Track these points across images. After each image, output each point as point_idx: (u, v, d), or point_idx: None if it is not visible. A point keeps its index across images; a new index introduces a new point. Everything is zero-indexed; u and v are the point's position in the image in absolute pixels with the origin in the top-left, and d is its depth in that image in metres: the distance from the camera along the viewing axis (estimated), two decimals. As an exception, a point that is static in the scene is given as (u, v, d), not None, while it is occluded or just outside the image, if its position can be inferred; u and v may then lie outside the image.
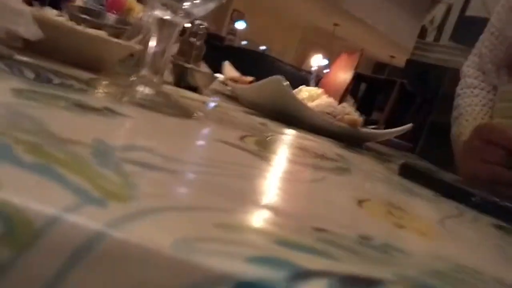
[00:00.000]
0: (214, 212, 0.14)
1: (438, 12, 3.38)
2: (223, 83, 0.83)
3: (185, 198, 0.15)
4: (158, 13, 0.34)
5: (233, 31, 7.24)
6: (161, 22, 0.34)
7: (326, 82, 0.78)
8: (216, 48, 1.20)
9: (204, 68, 0.95)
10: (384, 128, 0.94)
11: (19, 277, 0.11)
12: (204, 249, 0.11)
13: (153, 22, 0.34)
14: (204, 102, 0.56)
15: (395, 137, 1.23)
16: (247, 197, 0.18)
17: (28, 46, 0.41)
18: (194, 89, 0.61)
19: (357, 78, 3.34)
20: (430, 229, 0.25)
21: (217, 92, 0.78)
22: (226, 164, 0.23)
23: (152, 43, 0.35)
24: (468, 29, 2.99)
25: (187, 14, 0.34)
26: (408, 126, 0.74)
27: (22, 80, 0.27)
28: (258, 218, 0.15)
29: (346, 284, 0.12)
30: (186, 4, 0.33)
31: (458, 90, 0.89)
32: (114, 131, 0.23)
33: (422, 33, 3.71)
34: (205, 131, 0.33)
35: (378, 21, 6.23)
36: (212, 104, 0.58)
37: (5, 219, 0.11)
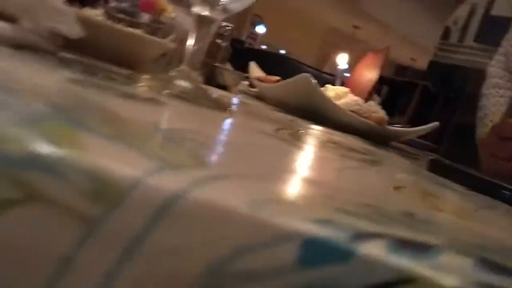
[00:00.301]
0: (276, 181, 0.15)
1: (462, 12, 3.32)
2: (249, 83, 0.84)
3: (247, 169, 0.16)
4: (196, 9, 0.35)
5: (253, 35, 7.28)
6: (200, 18, 0.35)
7: (351, 81, 0.79)
8: (238, 51, 1.21)
9: (230, 69, 0.97)
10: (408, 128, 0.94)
11: (108, 232, 0.12)
12: (275, 210, 0.12)
13: (192, 19, 0.35)
14: (234, 99, 0.57)
15: (419, 138, 1.22)
16: (296, 173, 0.19)
17: (68, 44, 0.43)
18: (223, 88, 0.62)
19: (379, 80, 3.30)
20: (468, 214, 0.26)
21: (244, 93, 0.80)
22: (269, 148, 0.24)
23: (190, 40, 0.36)
24: (493, 29, 2.94)
25: (225, 10, 0.35)
26: (435, 124, 0.73)
27: (73, 72, 0.29)
28: (313, 190, 0.16)
29: (403, 246, 0.13)
30: (224, 0, 0.35)
31: (484, 90, 0.88)
32: (166, 116, 0.24)
33: (446, 34, 3.66)
34: (243, 122, 0.34)
35: (399, 23, 6.17)
36: (240, 100, 0.59)
37: (94, 179, 0.12)
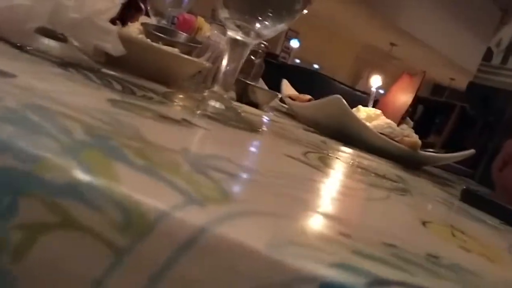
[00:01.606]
0: (297, 220, 0.16)
1: (506, 34, 3.23)
2: (281, 101, 0.84)
3: (270, 205, 0.16)
4: (231, 33, 0.36)
5: (287, 49, 7.32)
6: (233, 42, 0.36)
7: (384, 103, 0.78)
8: (271, 66, 1.22)
9: (262, 85, 0.98)
10: (442, 153, 0.92)
11: (135, 262, 0.13)
12: (293, 252, 0.13)
13: (226, 42, 0.36)
14: (265, 118, 0.57)
15: (455, 162, 1.18)
16: (319, 209, 0.19)
17: (110, 61, 0.45)
18: (255, 105, 0.63)
19: (414, 100, 3.24)
20: (498, 255, 0.25)
21: (275, 109, 0.80)
22: (295, 177, 0.24)
23: (224, 61, 0.37)
24: (538, 53, 2.84)
25: (258, 35, 0.36)
26: (471, 151, 0.71)
27: (113, 91, 0.30)
28: (334, 230, 0.16)
29: (422, 295, 0.13)
30: (258, 26, 0.35)
31: None
32: (195, 140, 0.25)
33: (487, 55, 3.56)
34: (272, 145, 0.35)
35: (438, 42, 6.05)
36: (271, 119, 0.59)
37: (124, 210, 0.13)
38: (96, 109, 0.22)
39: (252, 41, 0.36)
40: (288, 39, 7.27)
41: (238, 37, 0.36)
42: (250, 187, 0.18)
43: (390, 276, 0.13)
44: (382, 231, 0.20)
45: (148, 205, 0.13)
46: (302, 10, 0.35)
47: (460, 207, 0.42)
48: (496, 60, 3.67)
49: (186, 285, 0.13)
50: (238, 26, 0.36)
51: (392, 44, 7.32)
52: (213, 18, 0.72)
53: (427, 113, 3.73)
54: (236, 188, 0.17)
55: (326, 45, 7.82)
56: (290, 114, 0.79)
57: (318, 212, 0.18)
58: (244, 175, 0.19)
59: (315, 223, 0.16)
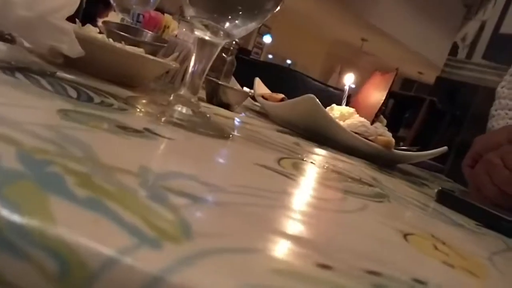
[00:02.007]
0: (266, 253, 0.14)
1: (471, 29, 3.31)
2: (254, 99, 0.82)
3: (236, 236, 0.14)
4: (198, 33, 0.34)
5: (260, 45, 7.31)
6: (201, 42, 0.34)
7: (357, 101, 0.77)
8: (244, 62, 1.20)
9: (234, 82, 0.96)
10: (412, 145, 0.92)
11: (73, 322, 0.10)
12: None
13: (193, 42, 0.34)
14: (236, 120, 0.55)
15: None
16: (292, 232, 0.17)
17: (68, 63, 0.41)
18: (226, 105, 0.61)
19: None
20: (480, 268, 0.24)
21: (247, 109, 0.78)
22: (265, 191, 0.22)
23: (192, 62, 0.35)
24: (502, 47, 2.92)
25: (227, 35, 0.34)
26: (443, 149, 0.71)
27: (66, 100, 0.27)
28: (311, 261, 0.15)
29: None
30: (227, 25, 0.33)
31: (492, 111, 0.86)
32: (157, 156, 0.22)
33: (454, 50, 3.64)
34: (243, 153, 0.33)
35: (407, 37, 6.16)
36: (242, 121, 0.57)
37: (60, 259, 0.11)
38: (41, 124, 0.19)
39: (221, 41, 0.33)
40: (261, 35, 7.25)
41: (206, 37, 0.34)
42: (215, 212, 0.16)
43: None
44: (364, 254, 0.18)
45: (90, 250, 0.11)
46: (274, 9, 0.33)
47: (437, 210, 0.42)
48: (462, 54, 3.75)
49: None
50: (206, 26, 0.33)
51: (363, 40, 7.40)
52: (181, 16, 0.69)
53: (398, 107, 3.80)
54: (198, 217, 0.15)
55: (298, 40, 7.85)
56: (263, 114, 0.77)
57: (290, 237, 0.16)
58: (209, 197, 0.17)
59: (289, 255, 0.14)
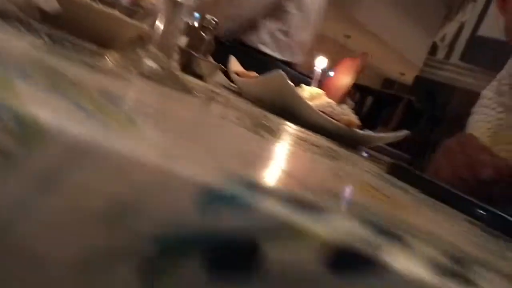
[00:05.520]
0: (189, 139, 0.16)
1: (450, 29, 3.39)
2: (228, 76, 0.85)
3: (171, 131, 0.17)
4: (169, -7, 0.36)
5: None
6: (169, 2, 0.36)
7: (328, 84, 0.81)
8: (222, 46, 1.22)
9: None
10: (389, 144, 0.96)
11: (27, 169, 0.13)
12: (182, 163, 0.13)
13: (162, 2, 0.36)
14: (207, 88, 0.58)
15: (396, 148, 1.24)
16: (205, 137, 0.20)
17: (45, 19, 0.43)
18: (200, 77, 0.63)
19: (364, 91, 3.35)
20: (383, 197, 0.27)
21: (223, 87, 0.81)
22: (213, 128, 0.25)
23: (160, 22, 0.37)
24: (479, 50, 3.01)
25: (196, -3, 0.36)
26: (406, 132, 0.75)
27: (40, 42, 0.29)
28: (223, 153, 0.18)
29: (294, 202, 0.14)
30: (196, -12, 0.36)
31: (473, 109, 0.91)
32: (118, 86, 0.25)
33: (433, 50, 3.72)
34: (201, 107, 0.35)
35: (390, 36, 6.25)
36: (214, 90, 0.60)
37: (21, 122, 0.13)
38: (18, 51, 0.21)
39: (187, 1, 0.36)
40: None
41: (175, -2, 0.36)
42: (159, 123, 0.19)
43: (269, 185, 0.15)
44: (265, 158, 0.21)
45: (46, 117, 0.13)
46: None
47: (384, 176, 0.45)
48: (441, 54, 3.81)
49: (76, 192, 0.13)
50: (176, -13, 0.36)
51: (347, 36, 7.47)
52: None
53: (376, 105, 3.87)
54: (144, 119, 0.17)
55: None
56: (238, 92, 0.80)
57: (209, 138, 0.19)
58: (160, 118, 0.20)
59: (205, 143, 0.17)
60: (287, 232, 0.14)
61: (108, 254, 0.13)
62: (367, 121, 0.78)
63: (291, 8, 1.55)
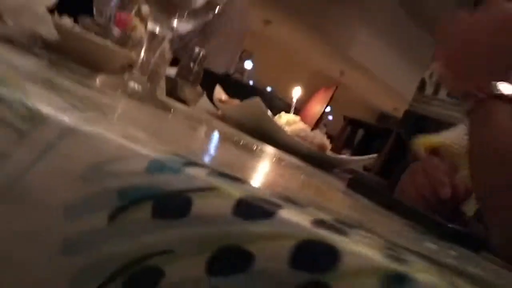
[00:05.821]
0: (148, 126, 0.23)
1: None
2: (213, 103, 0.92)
3: (135, 124, 0.23)
4: (151, 27, 0.43)
5: (241, 70, 7.45)
6: (151, 34, 0.44)
7: (304, 112, 0.88)
8: (212, 76, 1.29)
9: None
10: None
11: (33, 140, 0.19)
12: (138, 141, 0.20)
13: (145, 34, 0.44)
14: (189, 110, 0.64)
15: (374, 172, 1.30)
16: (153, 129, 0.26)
17: (46, 46, 0.50)
18: (184, 102, 0.70)
19: (355, 124, 3.44)
20: (329, 197, 0.33)
21: (207, 112, 0.87)
22: (180, 135, 0.31)
23: (143, 50, 0.44)
24: (463, 86, 3.11)
25: (172, 29, 0.43)
26: (374, 155, 0.82)
27: (41, 63, 0.36)
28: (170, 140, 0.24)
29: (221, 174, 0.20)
30: (174, 21, 0.43)
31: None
32: (100, 98, 0.31)
33: (422, 85, 3.84)
34: (177, 121, 0.42)
35: (383, 72, 6.43)
36: (195, 114, 0.66)
37: (29, 108, 0.19)
38: (20, 63, 0.28)
39: (166, 34, 0.43)
40: (243, 60, 7.39)
41: (156, 31, 0.43)
42: (128, 119, 0.25)
43: (199, 161, 0.21)
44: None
45: (46, 107, 0.20)
46: (206, 14, 0.43)
47: (344, 191, 0.50)
48: (429, 90, 3.94)
49: (63, 158, 0.19)
50: (157, 21, 0.43)
51: (342, 73, 7.67)
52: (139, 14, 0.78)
53: (367, 137, 3.96)
54: (116, 116, 0.24)
55: (279, 68, 8.05)
56: (222, 118, 0.86)
57: (164, 133, 0.25)
58: (129, 117, 0.26)
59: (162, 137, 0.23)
60: (210, 191, 0.20)
61: (84, 203, 0.19)
62: (360, 152, 0.83)
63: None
